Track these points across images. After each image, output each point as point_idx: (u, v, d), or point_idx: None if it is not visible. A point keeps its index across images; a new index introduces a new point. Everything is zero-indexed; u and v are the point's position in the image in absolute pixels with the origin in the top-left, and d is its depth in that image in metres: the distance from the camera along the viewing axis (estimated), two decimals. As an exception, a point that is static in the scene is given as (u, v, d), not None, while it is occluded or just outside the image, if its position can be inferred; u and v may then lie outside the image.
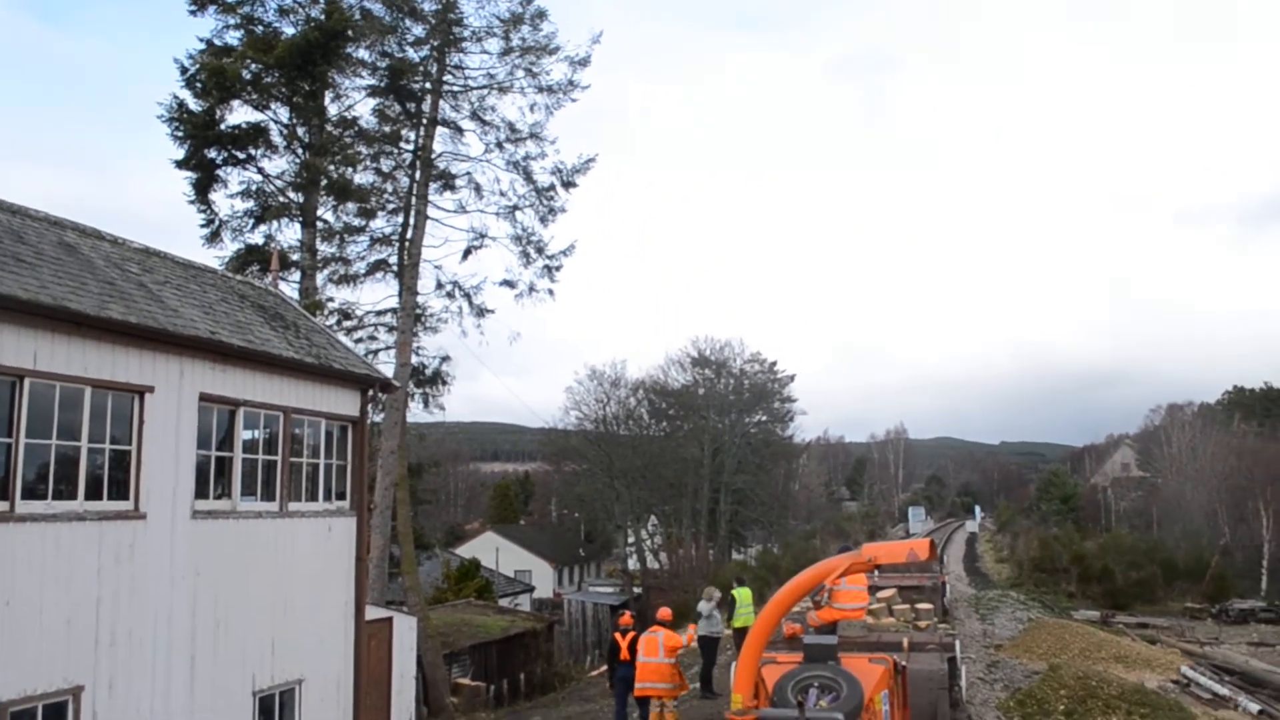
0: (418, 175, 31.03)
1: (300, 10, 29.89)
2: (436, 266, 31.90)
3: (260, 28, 29.35)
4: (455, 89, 31.36)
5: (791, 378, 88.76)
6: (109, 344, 12.03)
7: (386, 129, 31.29)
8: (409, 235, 30.97)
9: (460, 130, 31.58)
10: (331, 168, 29.58)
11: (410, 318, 30.22)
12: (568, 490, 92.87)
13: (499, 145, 31.74)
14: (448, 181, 31.82)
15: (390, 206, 31.83)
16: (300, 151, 29.42)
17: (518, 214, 32.06)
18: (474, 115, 31.60)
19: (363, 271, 31.63)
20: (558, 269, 32.33)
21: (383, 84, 30.80)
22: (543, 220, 32.21)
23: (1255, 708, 22.24)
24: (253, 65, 28.05)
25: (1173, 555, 54.81)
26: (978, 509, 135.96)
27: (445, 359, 32.97)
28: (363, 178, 31.09)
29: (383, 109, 31.23)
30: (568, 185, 32.02)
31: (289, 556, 15.20)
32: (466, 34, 31.32)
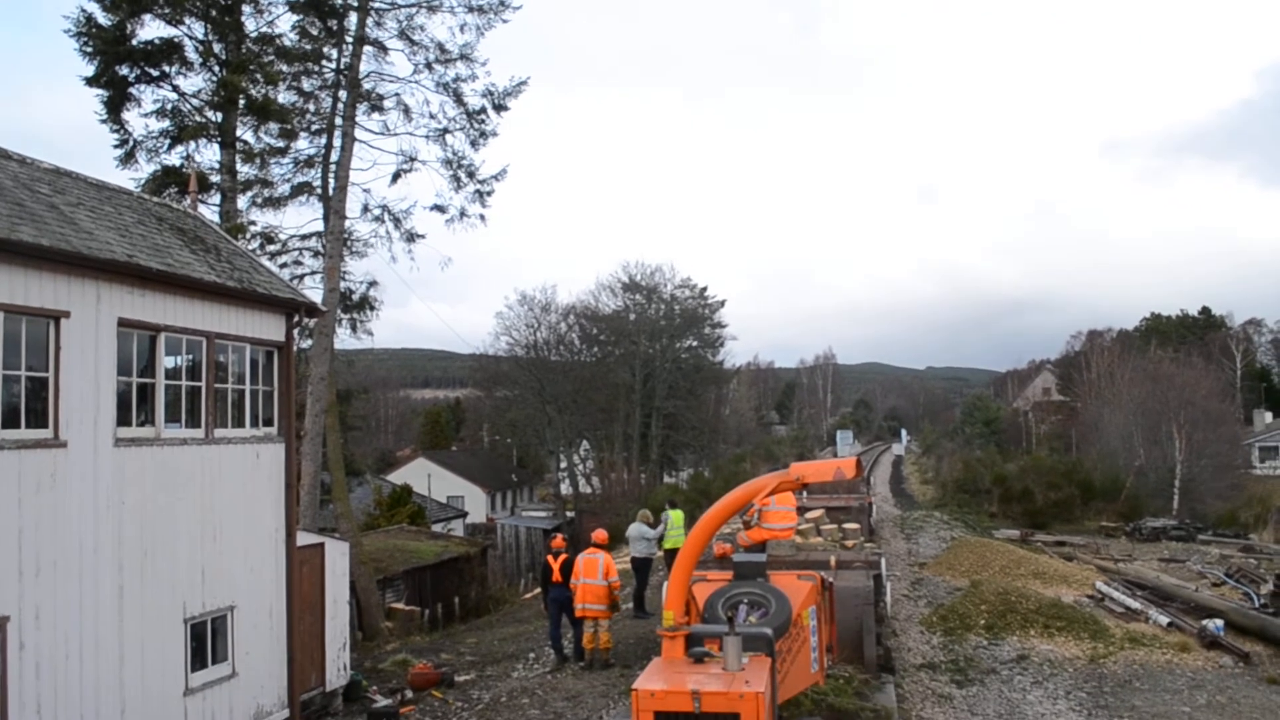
0: (344, 96, 30.21)
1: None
2: (365, 190, 31.42)
3: (171, -65, 28.13)
4: (383, 6, 30.46)
5: (722, 303, 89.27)
6: (20, 268, 11.60)
7: (308, 47, 30.34)
8: (335, 158, 30.27)
9: (386, 50, 30.74)
10: (251, 87, 28.66)
11: (339, 242, 29.66)
12: (499, 416, 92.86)
13: (428, 66, 30.99)
14: (375, 103, 31.06)
15: (314, 128, 31.06)
16: (217, 69, 28.44)
17: (448, 137, 31.48)
18: (402, 34, 30.76)
19: (285, 194, 30.93)
20: (489, 194, 31.92)
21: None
22: (474, 144, 31.68)
23: (1165, 620, 23.16)
24: (165, -24, 26.94)
25: (1090, 476, 56.50)
26: (904, 432, 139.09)
27: (373, 284, 32.58)
28: (284, 97, 30.22)
29: (303, 25, 30.24)
30: (499, 108, 31.45)
31: (216, 483, 14.99)
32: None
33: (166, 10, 27.41)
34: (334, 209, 29.63)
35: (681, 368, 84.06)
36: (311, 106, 30.98)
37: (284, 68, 29.94)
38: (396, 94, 31.24)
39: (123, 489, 13.11)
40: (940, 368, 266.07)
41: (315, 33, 30.40)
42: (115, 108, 27.75)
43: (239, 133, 29.10)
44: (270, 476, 16.38)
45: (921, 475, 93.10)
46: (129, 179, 27.76)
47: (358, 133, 30.24)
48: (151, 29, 27.66)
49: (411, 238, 31.68)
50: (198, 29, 28.32)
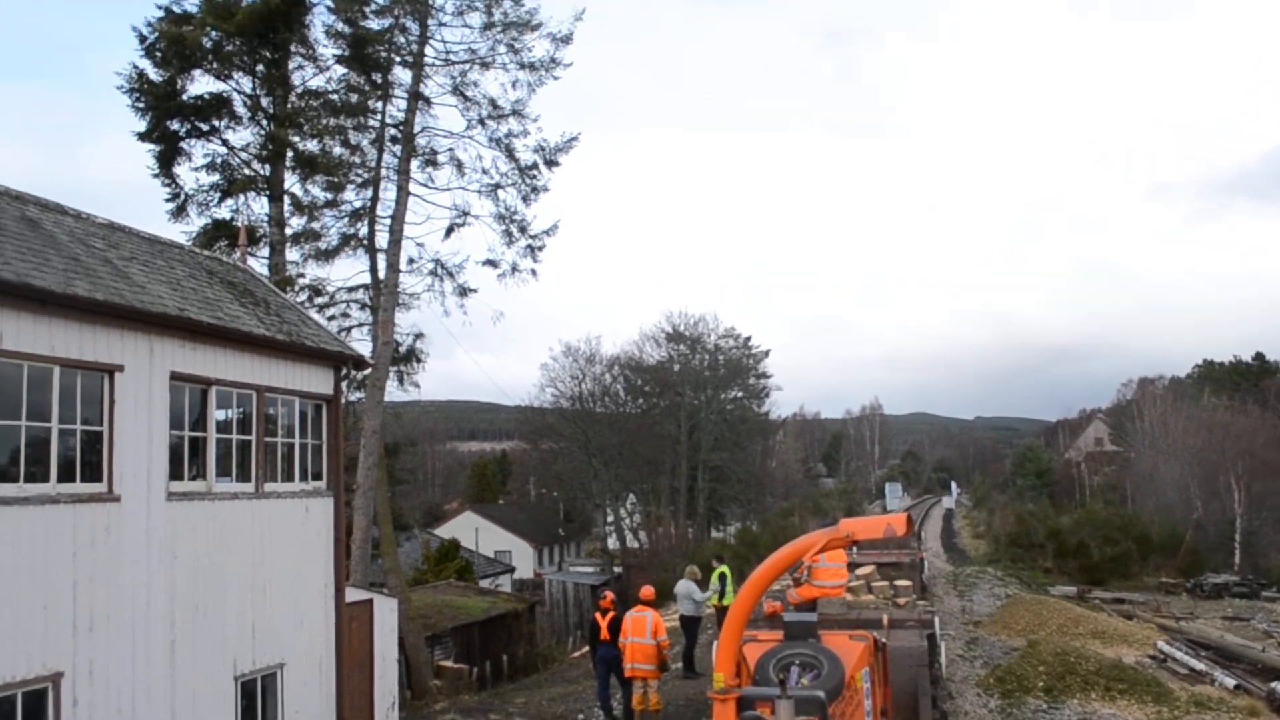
0: (398, 150, 30.63)
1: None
2: (419, 244, 31.66)
3: (219, -7, 28.78)
4: (436, 63, 30.96)
5: (766, 353, 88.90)
6: (76, 322, 11.74)
7: (354, 100, 30.85)
8: (381, 210, 30.65)
9: (428, 102, 31.14)
10: (298, 139, 29.15)
11: (393, 295, 29.88)
12: (545, 469, 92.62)
13: (481, 122, 31.36)
14: (429, 158, 31.46)
15: (361, 180, 31.47)
16: (265, 123, 28.98)
17: (500, 192, 31.73)
18: (455, 90, 31.21)
19: (334, 246, 31.28)
20: (540, 249, 32.04)
21: (348, 54, 30.32)
22: (525, 199, 31.90)
23: (1231, 682, 22.41)
24: (213, 33, 27.55)
25: (1147, 530, 55.25)
26: (954, 485, 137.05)
27: (419, 336, 32.72)
28: (331, 150, 30.68)
29: (349, 80, 30.79)
30: (550, 164, 31.68)
31: (266, 538, 14.98)
32: (448, 8, 30.90)
33: (215, 66, 28.05)
34: (389, 262, 29.93)
35: (727, 419, 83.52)
36: (358, 159, 31.43)
37: (331, 121, 30.43)
38: (450, 149, 31.62)
39: (175, 543, 13.13)
40: (989, 417, 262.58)
41: (359, 86, 30.92)
42: (167, 162, 28.34)
43: (287, 185, 29.57)
44: (319, 531, 16.36)
45: (973, 529, 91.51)
46: (180, 232, 28.28)
47: (412, 186, 30.61)
48: (201, 84, 28.37)
49: (464, 292, 31.86)
50: (245, 84, 28.95)
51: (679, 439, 79.28)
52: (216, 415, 14.26)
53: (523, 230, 31.83)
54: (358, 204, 31.45)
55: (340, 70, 30.64)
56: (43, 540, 11.21)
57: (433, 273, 31.66)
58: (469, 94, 31.18)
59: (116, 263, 13.76)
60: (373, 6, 30.67)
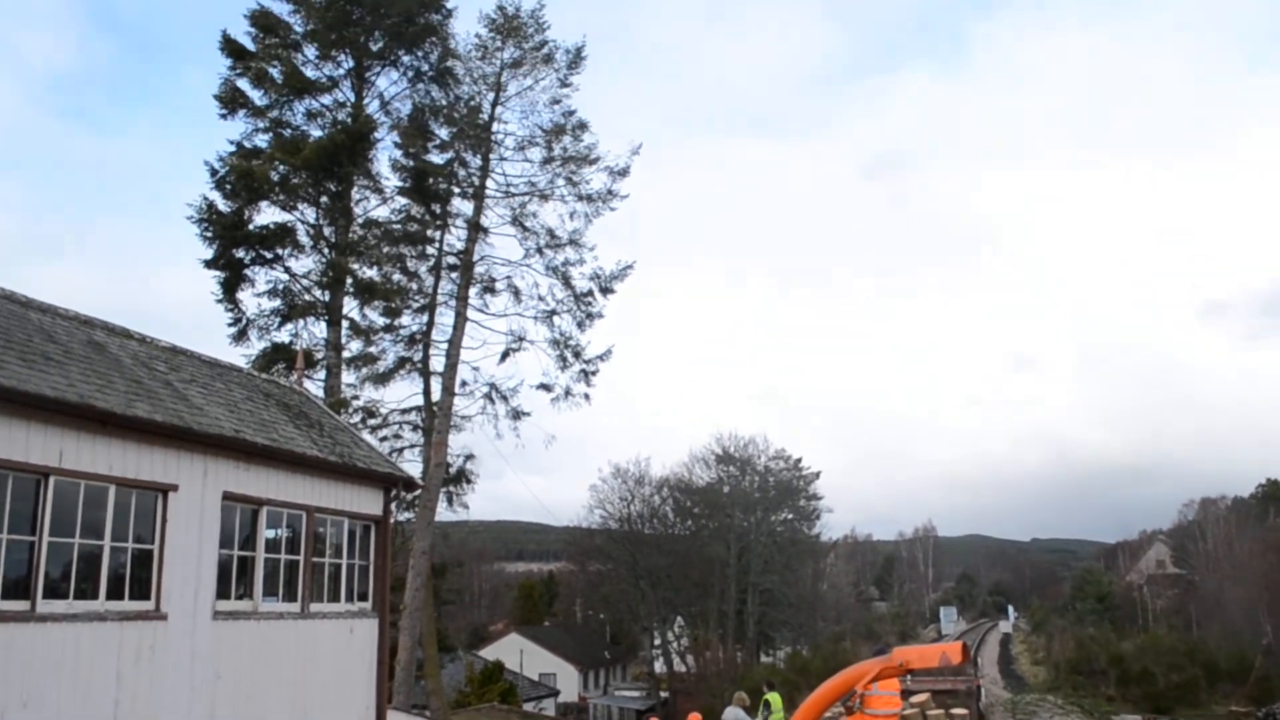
0: (456, 277, 31.42)
1: (328, 114, 30.64)
2: (474, 368, 32.16)
3: (288, 130, 30.07)
4: (497, 195, 31.94)
5: (817, 475, 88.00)
6: (134, 442, 12.01)
7: (413, 228, 31.78)
8: (436, 335, 31.28)
9: (486, 232, 31.98)
10: (357, 267, 29.97)
11: (447, 418, 30.29)
12: (593, 591, 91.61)
13: (539, 250, 32.23)
14: (488, 285, 32.17)
15: (416, 305, 32.16)
16: (326, 251, 29.86)
17: (555, 318, 32.38)
18: (515, 221, 32.12)
19: (389, 368, 31.84)
20: (594, 373, 32.50)
21: (409, 185, 31.36)
22: (580, 325, 32.56)
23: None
24: (281, 167, 28.67)
25: (1214, 656, 53.20)
26: (1010, 608, 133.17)
27: (469, 457, 33.02)
28: (390, 276, 31.47)
29: (409, 210, 31.77)
30: (606, 291, 32.41)
31: (310, 659, 14.92)
32: (510, 143, 32.01)
33: (282, 197, 29.12)
34: (444, 386, 30.42)
35: (777, 541, 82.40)
36: (415, 285, 32.18)
37: (390, 249, 31.30)
38: (508, 276, 32.40)
39: (219, 663, 13.12)
40: (1045, 539, 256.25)
41: (418, 216, 31.85)
42: (231, 288, 29.21)
43: (345, 310, 30.29)
44: (363, 653, 16.26)
45: (1032, 654, 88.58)
46: (240, 355, 28.99)
47: (469, 312, 31.22)
48: (266, 214, 29.43)
49: (517, 415, 32.29)
50: (309, 214, 30.01)
51: (728, 561, 78.24)
52: (266, 534, 14.39)
53: (577, 355, 32.37)
54: (414, 328, 32.19)
55: (401, 201, 31.70)
56: (88, 657, 11.26)
57: (487, 396, 32.15)
58: (528, 224, 32.20)
59: (177, 385, 14.11)
60: (435, 141, 31.88)
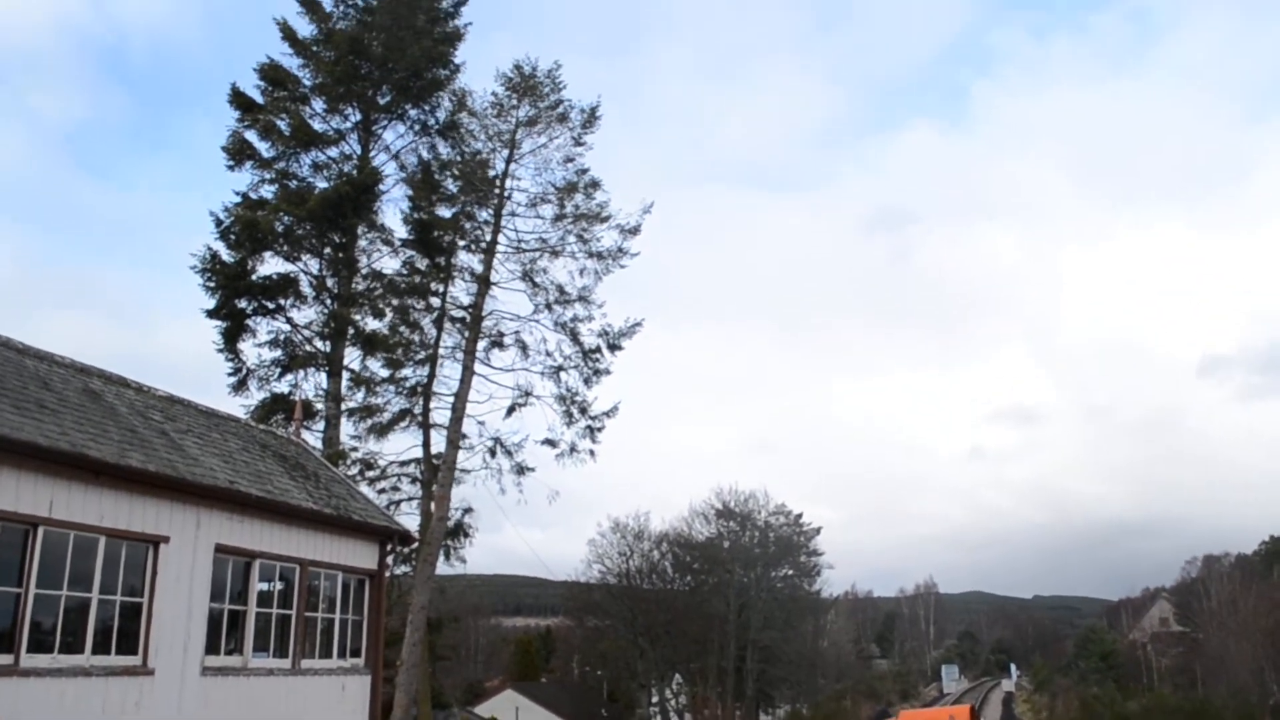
0: (459, 329, 31.35)
1: (334, 166, 30.74)
2: (479, 422, 31.96)
3: (294, 182, 30.12)
4: (508, 250, 31.98)
5: (817, 530, 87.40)
6: (126, 492, 11.84)
7: (416, 281, 31.75)
8: (436, 387, 31.12)
9: (491, 285, 31.94)
10: (359, 318, 29.90)
11: (451, 471, 30.02)
12: (590, 647, 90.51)
13: (548, 306, 32.14)
14: (495, 340, 32.08)
15: (418, 357, 32.04)
16: (329, 302, 29.81)
17: (562, 374, 32.21)
18: (525, 276, 32.11)
19: (389, 420, 31.64)
20: (600, 429, 32.25)
21: (413, 237, 31.39)
22: (587, 381, 32.34)
23: None
24: (285, 218, 28.69)
25: (1221, 715, 52.44)
26: (1013, 667, 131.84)
27: (468, 511, 32.64)
28: (396, 328, 31.40)
29: (413, 262, 31.77)
30: (614, 348, 32.25)
31: (300, 717, 14.60)
32: (521, 199, 32.13)
33: (285, 248, 29.11)
34: (449, 439, 30.20)
35: (777, 597, 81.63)
36: (418, 337, 32.08)
37: (394, 301, 31.24)
38: (516, 331, 32.27)
39: (206, 720, 12.83)
40: (1048, 596, 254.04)
41: (421, 268, 31.84)
42: (232, 338, 29.11)
43: (346, 361, 30.17)
44: (355, 711, 15.96)
45: (1035, 714, 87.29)
46: (239, 405, 28.78)
47: (476, 366, 31.09)
48: (270, 265, 29.37)
49: (522, 470, 31.96)
50: (313, 264, 29.97)
51: (727, 617, 77.42)
52: (259, 587, 14.15)
53: (583, 411, 32.14)
54: (414, 381, 31.98)
55: (407, 252, 31.71)
56: (72, 713, 11.01)
57: (490, 450, 31.87)
58: (537, 280, 32.12)
59: (172, 435, 13.96)
60: (442, 195, 31.98)
